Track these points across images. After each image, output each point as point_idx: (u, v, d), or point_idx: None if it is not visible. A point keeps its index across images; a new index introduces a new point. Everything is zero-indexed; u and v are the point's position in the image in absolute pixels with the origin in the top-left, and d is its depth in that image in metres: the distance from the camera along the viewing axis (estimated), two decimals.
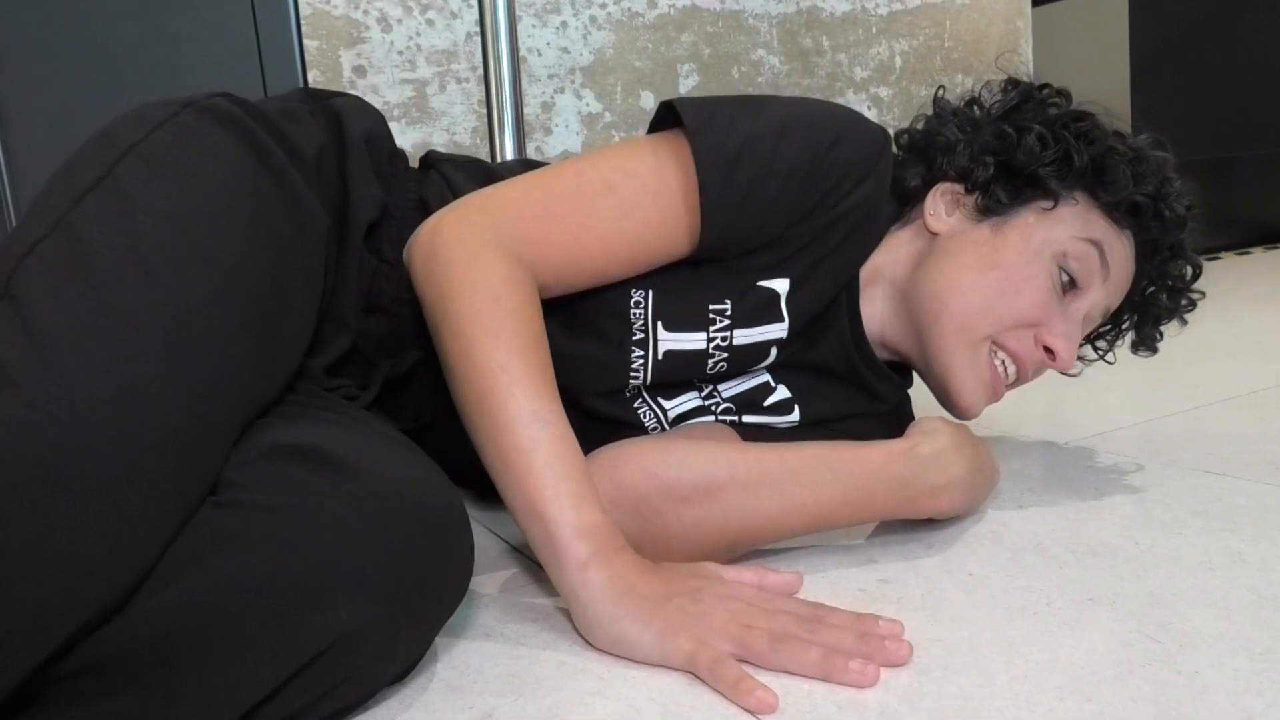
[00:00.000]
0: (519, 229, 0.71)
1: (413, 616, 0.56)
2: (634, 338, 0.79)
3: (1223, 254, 2.54)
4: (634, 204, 0.74)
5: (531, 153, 1.88)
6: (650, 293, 0.78)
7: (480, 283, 0.67)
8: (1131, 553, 0.73)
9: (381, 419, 0.71)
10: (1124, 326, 0.93)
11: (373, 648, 0.54)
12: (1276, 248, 2.66)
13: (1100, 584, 0.68)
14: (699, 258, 0.77)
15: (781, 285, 0.80)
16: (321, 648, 0.51)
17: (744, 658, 0.59)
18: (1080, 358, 0.93)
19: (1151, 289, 0.89)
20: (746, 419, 0.84)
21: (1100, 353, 0.94)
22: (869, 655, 0.58)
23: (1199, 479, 0.88)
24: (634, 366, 0.79)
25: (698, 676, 0.58)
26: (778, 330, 0.81)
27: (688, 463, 0.72)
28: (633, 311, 0.78)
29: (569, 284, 0.75)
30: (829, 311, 0.84)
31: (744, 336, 0.80)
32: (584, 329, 0.78)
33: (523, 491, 0.63)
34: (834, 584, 0.71)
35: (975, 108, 0.87)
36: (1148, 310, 0.90)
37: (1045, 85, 0.87)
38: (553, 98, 1.93)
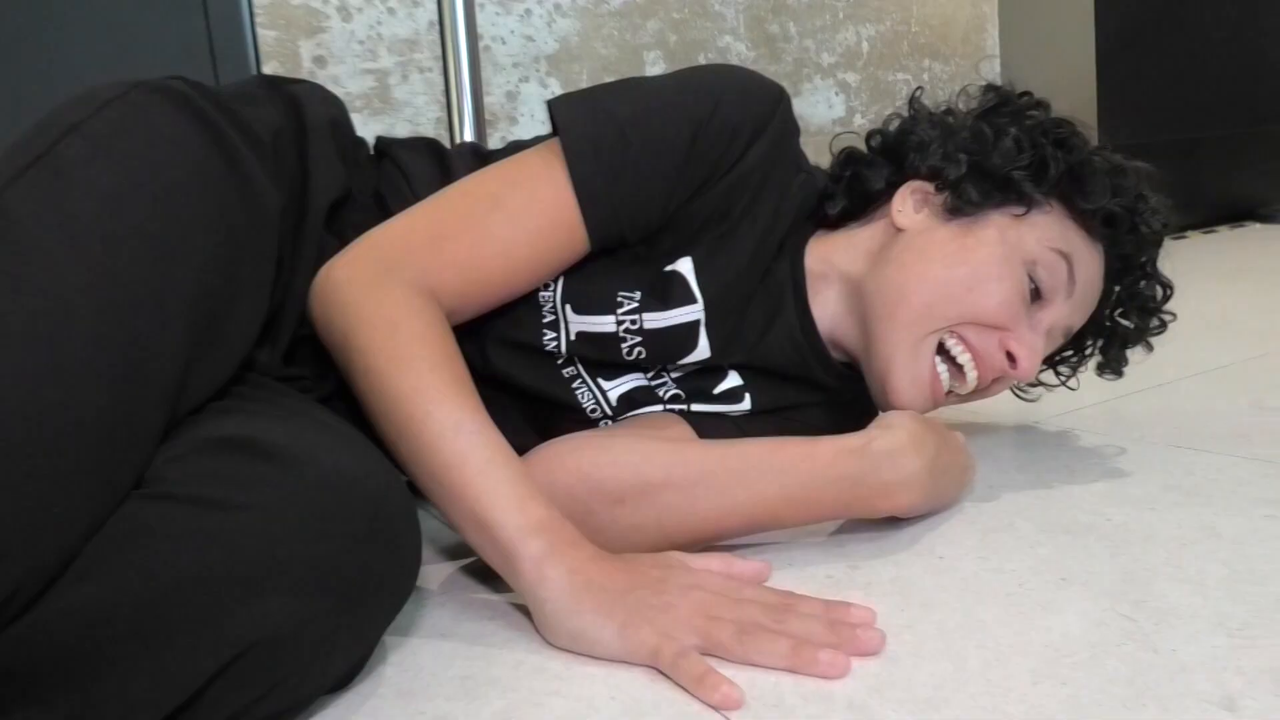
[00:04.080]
0: (411, 258, 0.69)
1: (353, 614, 0.53)
2: (544, 320, 0.77)
3: (1189, 233, 2.55)
4: (523, 214, 0.72)
5: (497, 142, 1.85)
6: (561, 279, 0.76)
7: (376, 315, 0.66)
8: (1105, 530, 0.71)
9: (330, 410, 0.68)
10: (1088, 352, 0.89)
11: (308, 647, 0.51)
12: (1241, 226, 2.67)
13: (1073, 563, 0.66)
14: (599, 250, 0.75)
15: (685, 265, 0.77)
16: (246, 645, 0.49)
17: (710, 650, 0.57)
18: (1040, 382, 0.90)
19: (1120, 310, 0.86)
20: (696, 407, 0.81)
21: (1063, 378, 0.90)
22: (839, 645, 0.56)
23: (1170, 454, 0.87)
24: (547, 343, 0.77)
25: (661, 671, 0.56)
26: (692, 312, 0.77)
27: (622, 462, 0.69)
28: (541, 295, 0.76)
29: (478, 303, 0.73)
30: (774, 305, 0.81)
31: (655, 320, 0.77)
32: (496, 314, 0.76)
33: (462, 505, 0.61)
34: (802, 570, 0.69)
35: (951, 116, 0.84)
36: (1115, 332, 0.87)
37: (1025, 93, 0.84)
38: (518, 87, 1.90)
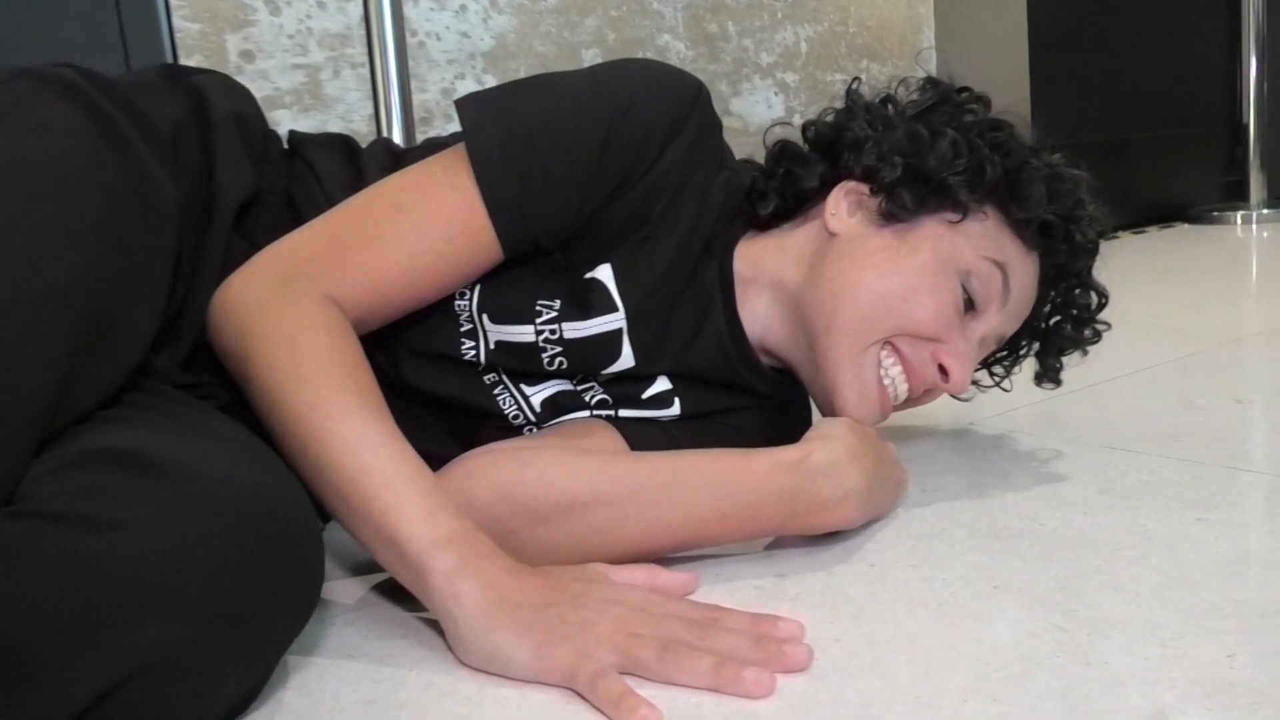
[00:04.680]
0: (311, 269, 0.66)
1: (243, 639, 0.50)
2: (462, 329, 0.73)
3: (1120, 233, 2.59)
4: (428, 221, 0.69)
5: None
6: (478, 287, 0.73)
7: (272, 330, 0.62)
8: (1037, 535, 0.70)
9: (233, 419, 0.64)
10: (1022, 353, 0.87)
11: (192, 677, 0.48)
12: (1171, 226, 2.72)
13: (1005, 570, 0.64)
14: (514, 258, 0.72)
15: (605, 272, 0.74)
16: (120, 678, 0.45)
17: (630, 669, 0.54)
18: (976, 382, 0.88)
19: (1056, 318, 0.85)
20: (624, 412, 0.78)
21: (996, 379, 0.89)
22: (765, 662, 0.53)
23: (1103, 455, 0.86)
24: (466, 351, 0.74)
25: (578, 693, 0.53)
26: (613, 321, 0.74)
27: (548, 479, 0.66)
28: (457, 304, 0.73)
29: (384, 313, 0.69)
30: (702, 310, 0.78)
31: (575, 330, 0.73)
32: (411, 321, 0.72)
33: (369, 522, 0.58)
34: (730, 580, 0.66)
35: (889, 105, 0.81)
36: (1050, 340, 0.85)
37: (965, 89, 0.81)
38: (453, 84, 1.86)
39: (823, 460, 0.67)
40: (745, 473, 0.67)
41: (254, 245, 0.70)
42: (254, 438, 0.60)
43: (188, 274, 0.67)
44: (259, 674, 0.54)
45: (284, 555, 0.52)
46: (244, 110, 0.75)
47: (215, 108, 0.72)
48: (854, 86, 0.82)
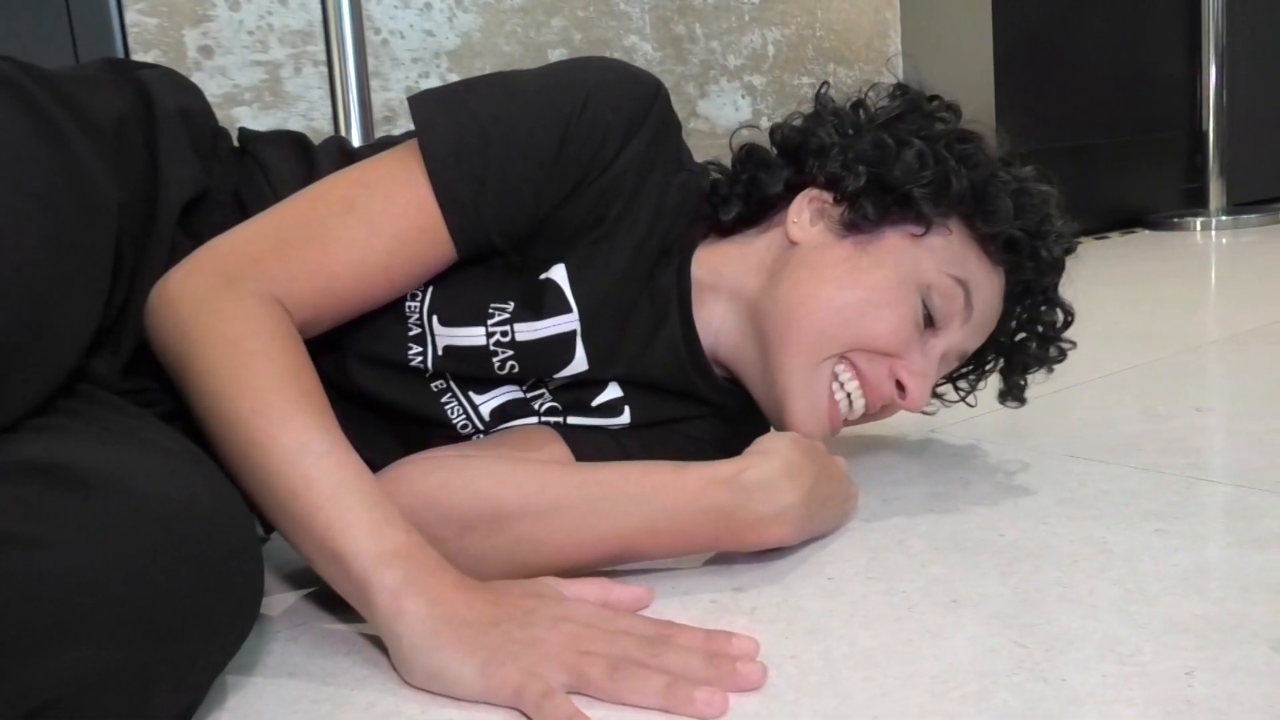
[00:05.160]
0: (255, 267, 0.63)
1: (174, 661, 0.47)
2: (410, 333, 0.71)
3: (1082, 239, 2.61)
4: (380, 218, 0.66)
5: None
6: (430, 288, 0.71)
7: (213, 331, 0.60)
8: (998, 546, 0.69)
9: (175, 428, 0.62)
10: (988, 369, 0.86)
11: (119, 700, 0.45)
12: (1132, 232, 2.74)
13: (964, 583, 0.63)
14: (467, 259, 0.70)
15: (559, 273, 0.72)
16: (40, 704, 0.43)
17: (579, 689, 0.52)
18: (939, 396, 0.88)
19: (1021, 335, 0.84)
20: (573, 420, 0.76)
21: (961, 394, 0.88)
22: (718, 681, 0.52)
23: (1063, 464, 0.86)
24: (413, 357, 0.71)
25: (524, 713, 0.51)
26: (567, 322, 0.72)
27: (475, 488, 0.64)
28: (408, 305, 0.71)
29: (332, 315, 0.67)
30: (659, 315, 0.76)
31: (528, 332, 0.71)
32: (358, 324, 0.70)
33: (311, 535, 0.56)
34: (686, 594, 0.65)
35: (860, 110, 0.80)
36: (1015, 358, 0.84)
37: (935, 97, 0.80)
38: (417, 82, 1.83)
39: (757, 476, 0.65)
40: (677, 487, 0.64)
41: (201, 245, 0.67)
42: (193, 448, 0.58)
43: (129, 275, 0.64)
44: (191, 696, 0.51)
45: (218, 573, 0.50)
46: (191, 106, 0.73)
47: (161, 103, 0.70)
48: (823, 91, 0.81)
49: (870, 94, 0.80)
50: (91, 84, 0.68)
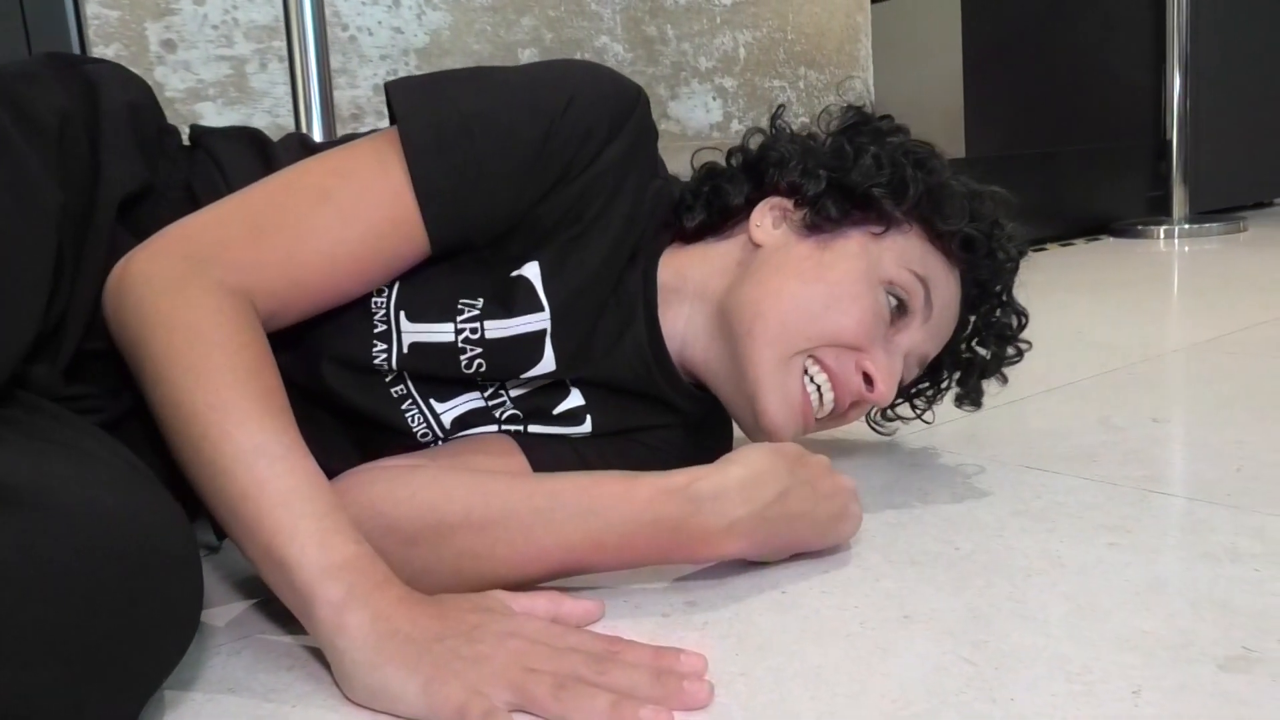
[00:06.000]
0: (223, 255, 0.62)
1: (105, 682, 0.46)
2: (375, 329, 0.70)
3: (1048, 245, 2.63)
4: (354, 209, 0.65)
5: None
6: (397, 283, 0.69)
7: (176, 318, 0.58)
8: (951, 559, 0.69)
9: (117, 436, 0.60)
10: (944, 385, 0.87)
11: None
12: (1098, 239, 2.77)
13: (917, 599, 0.63)
14: (440, 253, 0.68)
15: (532, 270, 0.71)
16: None
17: (523, 707, 0.51)
18: (897, 416, 0.88)
19: (977, 339, 0.84)
20: (534, 428, 0.75)
21: (918, 411, 0.88)
22: (664, 699, 0.51)
23: (1021, 475, 0.86)
24: (377, 354, 0.70)
25: None
26: (538, 321, 0.71)
27: (418, 499, 0.63)
28: (374, 300, 0.69)
29: (299, 309, 0.65)
30: (625, 317, 0.76)
31: (497, 329, 0.70)
32: (321, 320, 0.69)
33: (258, 541, 0.54)
34: (637, 608, 0.64)
35: (813, 140, 0.81)
36: (972, 362, 0.85)
37: (886, 116, 0.82)
38: (385, 79, 1.81)
39: (709, 487, 0.63)
40: (624, 499, 0.62)
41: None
42: (133, 458, 0.57)
43: (69, 277, 0.62)
44: (125, 715, 0.50)
45: (153, 590, 0.48)
46: (139, 101, 0.71)
47: (108, 98, 0.68)
48: (779, 114, 0.83)
49: (821, 119, 0.82)
50: (34, 80, 0.66)
